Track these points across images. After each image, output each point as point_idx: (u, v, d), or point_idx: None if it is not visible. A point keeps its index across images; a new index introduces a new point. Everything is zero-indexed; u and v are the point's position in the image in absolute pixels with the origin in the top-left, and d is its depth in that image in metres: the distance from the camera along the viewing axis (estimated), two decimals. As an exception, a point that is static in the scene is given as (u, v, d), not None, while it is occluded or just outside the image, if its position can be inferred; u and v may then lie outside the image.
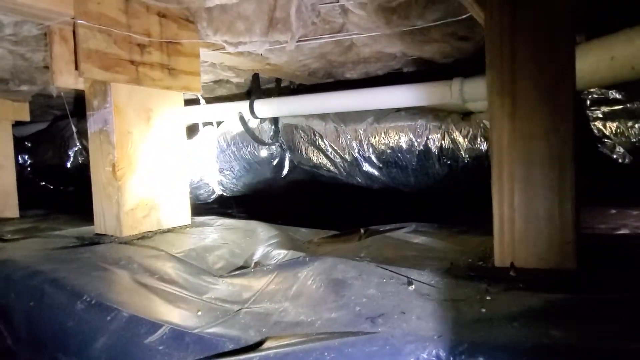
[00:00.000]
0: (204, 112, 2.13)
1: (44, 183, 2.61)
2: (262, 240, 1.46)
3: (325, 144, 2.04)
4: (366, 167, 1.99)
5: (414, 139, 1.80)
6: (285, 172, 2.22)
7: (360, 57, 1.74)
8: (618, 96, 1.40)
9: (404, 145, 1.82)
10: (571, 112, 0.94)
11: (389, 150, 1.86)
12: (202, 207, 2.38)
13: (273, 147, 2.13)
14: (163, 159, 1.55)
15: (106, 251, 1.30)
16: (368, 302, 0.87)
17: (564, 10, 0.91)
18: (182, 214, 1.62)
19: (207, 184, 2.32)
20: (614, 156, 1.49)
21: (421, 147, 1.78)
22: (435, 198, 2.03)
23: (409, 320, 0.77)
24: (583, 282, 0.78)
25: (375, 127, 1.92)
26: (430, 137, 1.78)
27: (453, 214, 1.84)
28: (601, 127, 1.47)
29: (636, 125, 1.39)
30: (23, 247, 1.43)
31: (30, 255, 1.30)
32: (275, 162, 2.18)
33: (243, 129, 2.09)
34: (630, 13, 1.14)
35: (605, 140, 1.49)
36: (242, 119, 2.04)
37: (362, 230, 1.57)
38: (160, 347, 0.87)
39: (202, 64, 1.67)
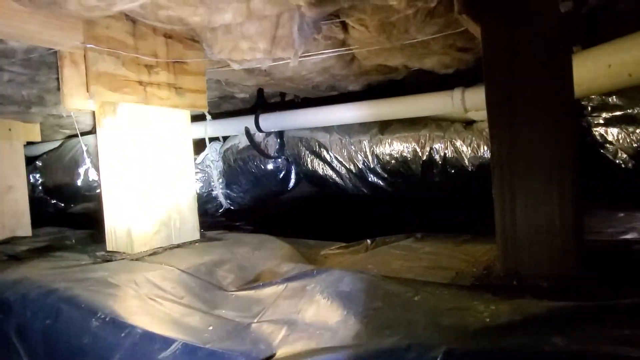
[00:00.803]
0: (210, 127, 2.17)
1: (54, 201, 2.65)
2: (271, 254, 1.48)
3: (330, 155, 2.07)
4: (371, 177, 2.01)
5: (417, 149, 1.83)
6: (291, 184, 2.24)
7: (362, 70, 1.77)
8: (618, 102, 1.41)
9: (408, 155, 1.84)
10: (569, 121, 0.96)
11: (393, 161, 1.88)
12: (211, 221, 2.41)
13: (279, 160, 2.16)
14: (172, 176, 1.58)
15: (118, 268, 1.32)
16: (375, 314, 0.88)
17: (558, 22, 0.94)
18: (191, 230, 1.65)
19: (215, 198, 2.35)
20: (617, 161, 1.50)
21: (425, 157, 1.80)
22: (440, 207, 2.05)
23: (415, 330, 0.79)
24: (585, 289, 0.79)
25: (379, 137, 1.94)
26: (433, 146, 1.80)
27: (458, 223, 1.85)
28: (603, 133, 1.48)
29: (637, 131, 1.40)
30: (38, 265, 1.46)
31: (45, 273, 1.33)
32: (281, 175, 2.21)
33: (249, 143, 2.12)
34: (625, 22, 1.17)
35: (608, 145, 1.50)
36: (248, 133, 2.08)
37: (368, 241, 1.59)
38: (174, 363, 0.89)
39: (207, 81, 1.71)
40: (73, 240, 1.91)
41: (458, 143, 1.77)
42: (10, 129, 2.06)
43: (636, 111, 1.38)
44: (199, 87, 1.64)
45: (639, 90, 1.34)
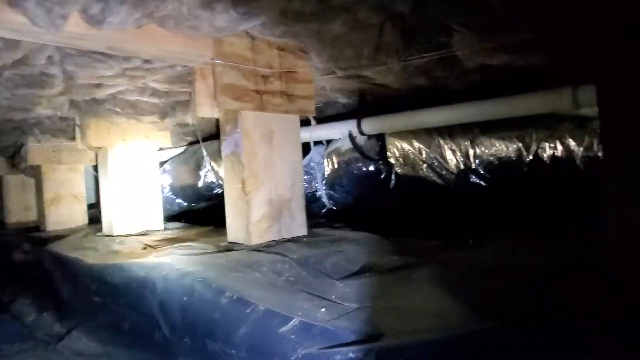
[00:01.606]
0: (315, 131, 2.31)
1: (179, 200, 3.00)
2: (374, 249, 1.56)
3: (430, 157, 2.09)
4: (473, 178, 2.00)
5: (522, 149, 1.78)
6: (391, 185, 2.30)
7: (464, 70, 1.78)
8: None
9: (512, 155, 1.81)
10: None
11: (496, 161, 1.86)
12: (314, 221, 2.56)
13: (380, 162, 2.23)
14: (284, 175, 1.73)
15: (239, 256, 1.50)
16: (478, 301, 0.92)
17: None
18: (300, 226, 1.78)
19: (319, 199, 2.49)
20: None
21: (531, 157, 1.76)
22: (545, 207, 1.96)
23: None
24: None
25: (481, 138, 1.93)
26: (540, 146, 1.75)
27: (565, 223, 1.77)
28: None
29: None
30: (172, 253, 1.70)
31: (180, 259, 1.54)
32: (382, 177, 2.28)
33: (351, 146, 2.23)
34: None
35: None
36: (351, 136, 2.18)
37: (470, 241, 1.60)
38: (292, 337, 1.01)
39: (314, 88, 1.84)
40: (197, 234, 2.16)
41: (569, 142, 1.70)
42: (147, 136, 2.39)
43: None
44: (308, 94, 1.78)
45: None
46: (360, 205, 2.41)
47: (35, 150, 2.80)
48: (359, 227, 2.09)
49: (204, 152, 2.64)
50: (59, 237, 2.42)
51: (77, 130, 2.24)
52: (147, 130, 2.39)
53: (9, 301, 2.12)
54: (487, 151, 1.90)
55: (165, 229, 2.46)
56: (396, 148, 2.17)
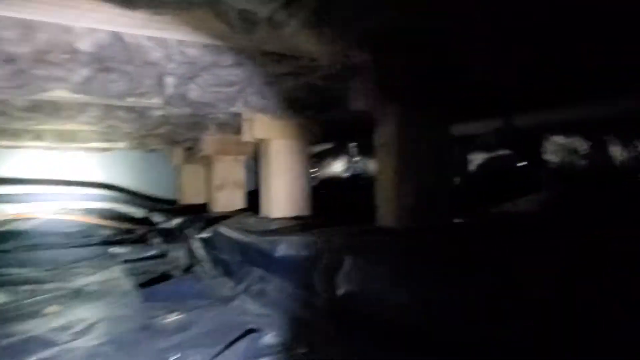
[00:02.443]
0: (459, 127, 2.31)
1: (323, 191, 3.23)
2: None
3: (591, 153, 1.95)
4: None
5: None
6: (544, 183, 2.19)
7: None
8: None
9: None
10: None
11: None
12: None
13: (531, 159, 2.14)
14: (432, 166, 1.79)
15: (386, 238, 1.60)
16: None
17: None
18: (443, 215, 1.82)
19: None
20: None
21: None
22: None
23: None
24: None
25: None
26: None
27: None
28: None
29: None
30: (324, 232, 1.87)
31: (334, 237, 1.70)
32: (532, 174, 2.19)
33: (500, 142, 2.18)
34: None
35: None
36: (501, 131, 2.14)
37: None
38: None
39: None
40: (344, 219, 2.32)
41: None
42: (302, 131, 2.63)
43: None
44: (459, 87, 1.81)
45: None
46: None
47: (209, 142, 3.26)
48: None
49: (351, 146, 2.81)
50: (225, 217, 2.80)
51: (245, 124, 2.57)
52: (302, 125, 2.63)
53: (190, 265, 2.53)
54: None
55: (313, 215, 2.68)
56: (552, 144, 2.07)
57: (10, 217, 3.62)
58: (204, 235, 2.61)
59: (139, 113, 2.47)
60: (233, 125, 3.00)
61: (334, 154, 3.12)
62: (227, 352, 1.34)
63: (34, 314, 1.69)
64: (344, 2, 1.31)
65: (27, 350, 1.33)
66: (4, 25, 1.33)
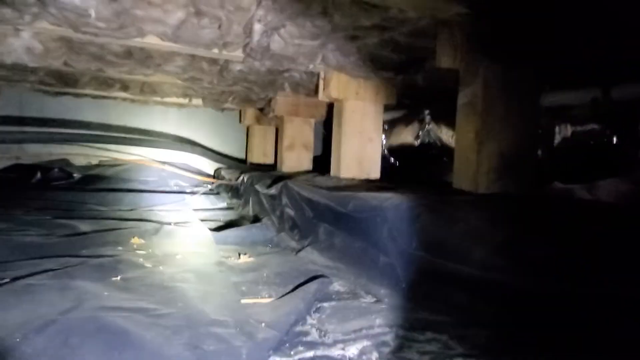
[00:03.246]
0: (547, 97, 2.17)
1: (392, 159, 3.19)
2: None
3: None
4: None
5: None
6: None
7: None
8: None
9: None
10: None
11: None
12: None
13: (630, 135, 1.98)
14: (517, 130, 1.70)
15: (465, 199, 1.56)
16: None
17: None
18: (527, 183, 1.74)
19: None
20: None
21: None
22: None
23: None
24: None
25: None
26: None
27: None
28: None
29: None
30: (397, 192, 1.85)
31: (407, 196, 1.68)
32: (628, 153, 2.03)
33: (592, 114, 2.03)
34: None
35: None
36: (597, 102, 1.99)
37: None
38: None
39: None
40: (415, 184, 2.30)
41: None
42: (377, 92, 2.60)
43: None
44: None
45: None
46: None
47: (281, 102, 3.31)
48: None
49: (426, 113, 2.74)
50: (293, 175, 2.85)
51: (321, 82, 2.57)
52: (377, 86, 2.60)
53: (259, 218, 2.62)
54: None
55: (382, 179, 2.66)
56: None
57: (98, 161, 3.91)
58: (273, 190, 2.67)
59: (221, 66, 2.54)
60: (306, 86, 3.01)
61: (405, 121, 3.06)
62: (297, 292, 1.37)
63: (120, 243, 1.83)
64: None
65: (117, 269, 1.44)
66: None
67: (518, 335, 1.04)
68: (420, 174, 2.87)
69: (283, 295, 1.36)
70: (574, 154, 2.21)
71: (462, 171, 1.73)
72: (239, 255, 1.83)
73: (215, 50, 2.09)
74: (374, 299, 1.41)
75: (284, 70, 2.63)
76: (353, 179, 2.51)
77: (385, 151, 3.14)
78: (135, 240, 1.88)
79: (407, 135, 2.97)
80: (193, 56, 2.41)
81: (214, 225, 2.47)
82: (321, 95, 2.61)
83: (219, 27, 1.79)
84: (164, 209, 2.83)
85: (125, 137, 3.91)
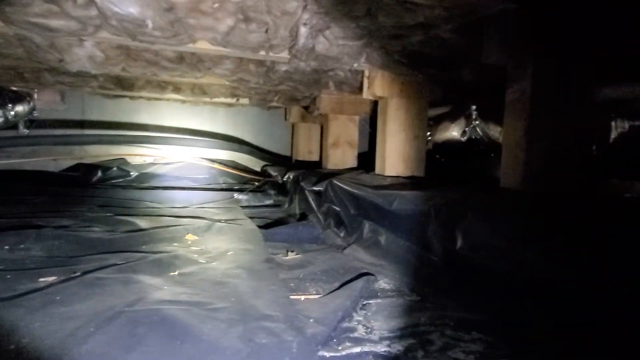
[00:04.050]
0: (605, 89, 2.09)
1: (437, 156, 3.16)
2: None
3: None
4: None
5: None
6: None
7: None
8: None
9: None
10: None
11: None
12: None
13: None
14: (569, 127, 1.66)
15: (512, 197, 1.54)
16: None
17: None
18: (577, 182, 1.69)
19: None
20: None
21: None
22: None
23: None
24: None
25: None
26: None
27: None
28: None
29: None
30: (441, 189, 1.85)
31: (451, 194, 1.68)
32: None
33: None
34: None
35: None
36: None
37: None
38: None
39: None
40: (460, 182, 2.27)
41: None
42: (421, 90, 2.59)
43: None
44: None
45: None
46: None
47: (326, 100, 3.35)
48: None
49: (473, 108, 2.69)
50: (338, 173, 2.89)
51: (365, 81, 2.59)
52: (422, 83, 2.58)
53: (304, 215, 2.68)
54: None
55: (427, 177, 2.65)
56: None
57: (152, 159, 4.12)
58: (318, 188, 2.73)
59: (267, 67, 2.61)
60: (350, 84, 3.04)
61: (450, 117, 3.02)
62: (344, 289, 1.41)
63: (176, 239, 1.94)
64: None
65: (174, 265, 1.54)
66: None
67: (566, 337, 1.03)
68: (467, 170, 2.83)
69: (330, 292, 1.40)
70: (631, 149, 2.12)
71: (509, 169, 1.70)
72: (287, 252, 1.90)
73: (262, 53, 2.16)
74: (419, 297, 1.43)
75: (329, 70, 2.67)
76: (398, 177, 2.52)
77: (431, 147, 3.12)
78: (190, 237, 1.98)
79: (453, 131, 2.93)
80: (241, 59, 2.49)
81: (261, 222, 2.55)
82: (365, 94, 2.63)
83: (266, 31, 1.86)
84: (214, 206, 2.95)
85: (177, 138, 4.09)
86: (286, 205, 3.15)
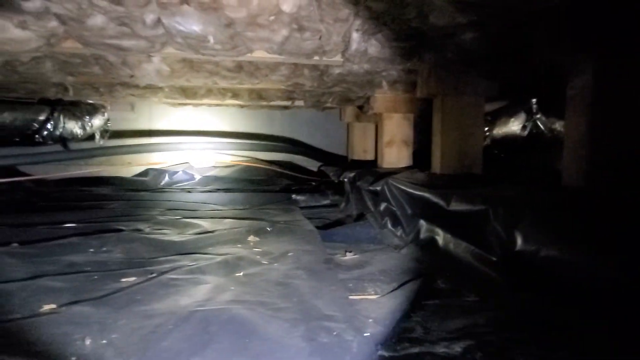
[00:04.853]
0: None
1: (496, 151, 3.08)
2: None
3: None
4: None
5: None
6: None
7: None
8: None
9: None
10: None
11: None
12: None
13: None
14: (632, 124, 1.58)
15: (576, 199, 1.50)
16: None
17: None
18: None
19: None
20: None
21: None
22: None
23: None
24: None
25: None
26: None
27: None
28: None
29: None
30: (506, 188, 1.82)
31: (514, 194, 1.65)
32: None
33: None
34: None
35: None
36: None
37: None
38: None
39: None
40: (517, 180, 2.22)
41: None
42: (477, 85, 2.53)
43: None
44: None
45: None
46: None
47: (379, 100, 3.36)
48: None
49: (533, 103, 2.61)
50: (394, 172, 2.90)
51: (419, 79, 2.58)
52: (477, 79, 2.53)
53: (361, 214, 2.72)
54: None
55: (484, 174, 2.60)
56: None
57: (214, 163, 4.33)
58: (374, 187, 2.75)
59: (321, 71, 2.67)
60: (404, 83, 3.03)
61: (510, 112, 2.93)
62: (402, 289, 1.44)
63: (239, 241, 2.05)
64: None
65: (239, 266, 1.64)
66: (228, -6, 1.58)
67: (628, 341, 1.00)
68: (527, 166, 2.74)
69: (388, 293, 1.44)
70: None
71: (571, 167, 1.65)
72: (345, 252, 1.95)
73: (316, 58, 2.22)
74: (477, 298, 1.43)
75: (382, 70, 2.69)
76: (454, 175, 2.49)
77: (489, 142, 3.05)
78: (252, 238, 2.09)
79: (512, 126, 2.85)
80: (296, 65, 2.57)
81: (319, 222, 2.62)
82: (419, 92, 2.62)
83: (320, 38, 1.91)
84: (273, 207, 3.06)
85: (237, 142, 4.26)
86: (343, 205, 3.21)
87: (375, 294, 1.43)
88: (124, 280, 1.46)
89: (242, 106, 4.32)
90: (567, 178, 1.67)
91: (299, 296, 1.33)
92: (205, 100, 3.69)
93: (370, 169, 3.37)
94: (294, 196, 3.41)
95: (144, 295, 1.32)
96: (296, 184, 4.17)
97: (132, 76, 2.48)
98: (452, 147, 2.57)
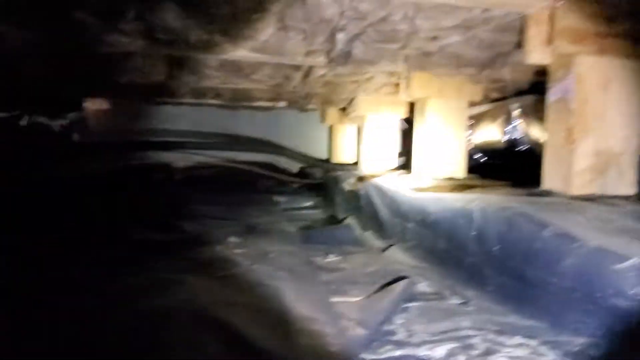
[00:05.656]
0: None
1: (479, 155, 3.11)
2: None
3: None
4: None
5: None
6: None
7: None
8: None
9: None
10: None
11: None
12: None
13: None
14: (616, 127, 1.60)
15: (558, 201, 1.51)
16: None
17: None
18: (629, 184, 1.63)
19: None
20: None
21: None
22: None
23: None
24: None
25: None
26: None
27: None
28: None
29: None
30: (488, 192, 1.82)
31: (494, 197, 1.66)
32: None
33: None
34: None
35: None
36: None
37: None
38: (630, 274, 1.00)
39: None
40: (500, 184, 2.23)
41: None
42: (460, 90, 2.55)
43: None
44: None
45: None
46: None
47: (363, 102, 3.36)
48: None
49: (511, 109, 2.64)
50: (377, 174, 2.90)
51: (403, 82, 2.59)
52: (460, 83, 2.55)
53: (344, 217, 2.71)
54: None
55: (467, 178, 2.61)
56: None
57: (192, 164, 4.25)
58: (357, 189, 2.75)
59: (304, 72, 2.64)
60: (388, 85, 3.03)
61: (492, 116, 2.97)
62: (384, 292, 1.43)
63: (220, 241, 2.01)
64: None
65: (220, 267, 1.60)
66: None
67: (614, 344, 1.01)
68: (508, 170, 2.76)
69: (371, 295, 1.42)
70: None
71: (552, 171, 1.67)
72: (327, 254, 1.93)
73: (299, 59, 2.19)
74: (461, 301, 1.43)
75: (366, 72, 2.68)
76: (437, 178, 2.50)
77: (472, 147, 3.07)
78: (233, 240, 2.05)
79: (494, 131, 2.88)
80: (279, 64, 2.54)
81: (301, 224, 2.60)
82: (403, 95, 2.63)
83: (304, 38, 1.89)
84: (254, 208, 3.02)
85: (217, 143, 4.21)
86: (325, 207, 3.19)
87: (358, 296, 1.42)
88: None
89: (222, 106, 4.26)
90: (547, 182, 1.69)
91: (280, 298, 1.30)
92: (186, 99, 3.63)
93: (352, 171, 3.36)
94: (275, 197, 3.38)
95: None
96: (278, 185, 4.13)
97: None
98: (434, 151, 2.58)
